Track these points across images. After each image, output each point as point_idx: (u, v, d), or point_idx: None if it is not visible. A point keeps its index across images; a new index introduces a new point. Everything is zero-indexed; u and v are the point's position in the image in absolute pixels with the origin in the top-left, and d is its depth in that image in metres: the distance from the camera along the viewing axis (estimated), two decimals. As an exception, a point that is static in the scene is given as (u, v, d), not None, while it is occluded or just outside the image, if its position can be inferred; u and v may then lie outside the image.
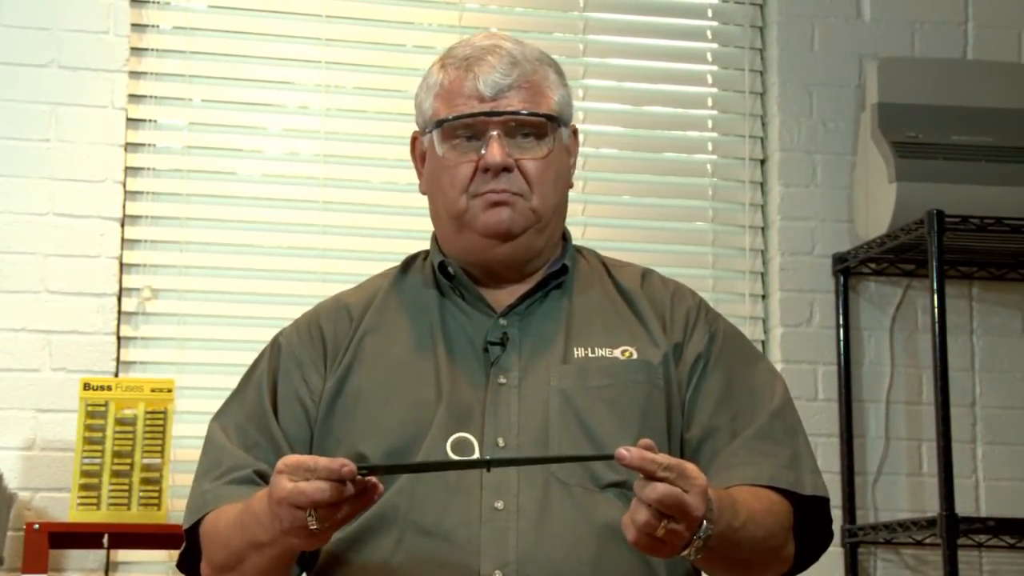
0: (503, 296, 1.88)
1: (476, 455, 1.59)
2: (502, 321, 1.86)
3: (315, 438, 1.84)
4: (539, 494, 1.74)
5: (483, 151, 1.83)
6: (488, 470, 1.63)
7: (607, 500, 1.76)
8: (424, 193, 1.94)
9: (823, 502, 1.84)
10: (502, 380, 1.81)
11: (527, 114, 1.85)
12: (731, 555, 1.66)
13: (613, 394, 1.80)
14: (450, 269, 1.89)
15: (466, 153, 1.85)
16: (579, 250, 1.99)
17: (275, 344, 1.92)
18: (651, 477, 1.49)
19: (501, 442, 1.76)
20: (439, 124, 1.86)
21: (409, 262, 1.98)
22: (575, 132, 1.96)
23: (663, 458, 1.50)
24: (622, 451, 1.49)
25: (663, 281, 1.96)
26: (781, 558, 1.80)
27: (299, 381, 1.86)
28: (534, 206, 1.85)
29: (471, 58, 1.86)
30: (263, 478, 1.79)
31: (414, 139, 1.95)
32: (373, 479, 1.53)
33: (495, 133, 1.83)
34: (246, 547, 1.68)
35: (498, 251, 1.86)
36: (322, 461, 1.52)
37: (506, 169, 1.83)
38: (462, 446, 1.60)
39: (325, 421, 1.83)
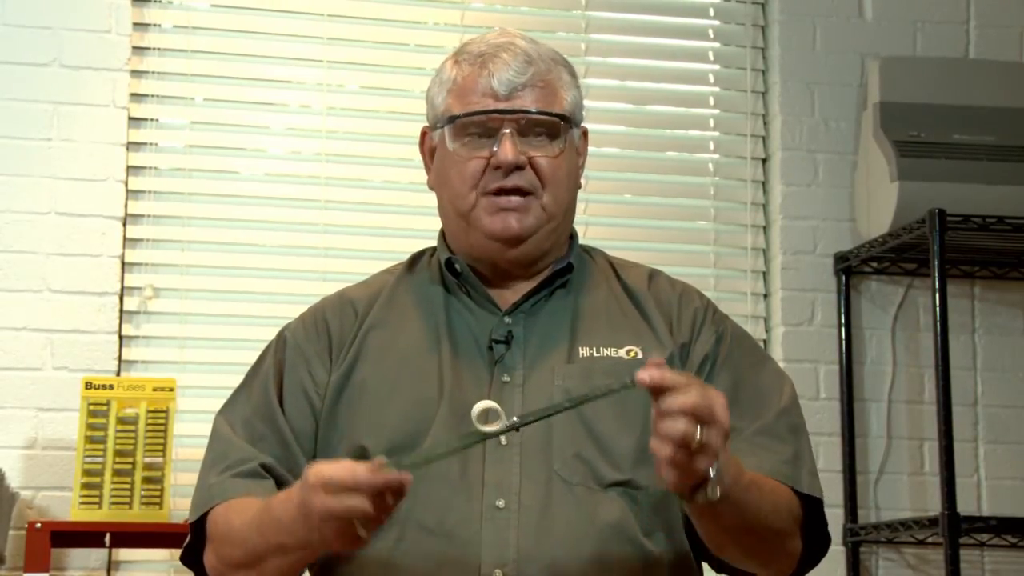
0: (509, 294, 1.88)
1: (501, 421, 1.57)
2: (507, 319, 1.85)
3: (320, 431, 1.84)
4: (541, 493, 1.74)
5: (495, 148, 1.83)
6: (518, 430, 1.61)
7: (609, 499, 1.76)
8: (432, 188, 1.94)
9: (818, 505, 1.83)
10: (506, 379, 1.81)
11: (541, 113, 1.85)
12: (740, 522, 1.64)
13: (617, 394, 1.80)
14: (457, 266, 1.89)
15: (477, 149, 1.85)
16: (586, 250, 1.99)
17: (281, 338, 1.92)
18: (673, 391, 1.49)
19: (503, 441, 1.75)
20: (451, 120, 1.85)
21: (416, 258, 1.98)
22: (585, 133, 1.96)
23: (679, 374, 1.51)
24: (642, 374, 1.49)
25: (670, 282, 1.96)
26: (787, 550, 1.79)
27: (305, 375, 1.86)
28: (545, 203, 1.85)
29: (486, 55, 1.86)
30: (268, 471, 1.79)
31: (423, 134, 1.95)
32: (407, 476, 1.52)
33: (508, 131, 1.83)
34: (268, 550, 1.67)
35: (507, 254, 1.86)
36: (361, 477, 1.51)
37: (518, 167, 1.83)
38: (488, 416, 1.58)
39: (330, 415, 1.83)
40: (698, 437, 1.48)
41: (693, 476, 1.53)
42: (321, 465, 1.56)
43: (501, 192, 1.83)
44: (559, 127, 1.86)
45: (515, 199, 1.83)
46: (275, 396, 1.86)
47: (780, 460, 1.80)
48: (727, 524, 1.66)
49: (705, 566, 1.88)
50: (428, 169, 1.95)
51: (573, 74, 1.93)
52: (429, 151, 1.94)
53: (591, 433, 1.78)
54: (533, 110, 1.84)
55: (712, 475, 1.53)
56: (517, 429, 1.57)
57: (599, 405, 1.78)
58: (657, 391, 1.50)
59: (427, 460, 1.60)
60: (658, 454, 1.51)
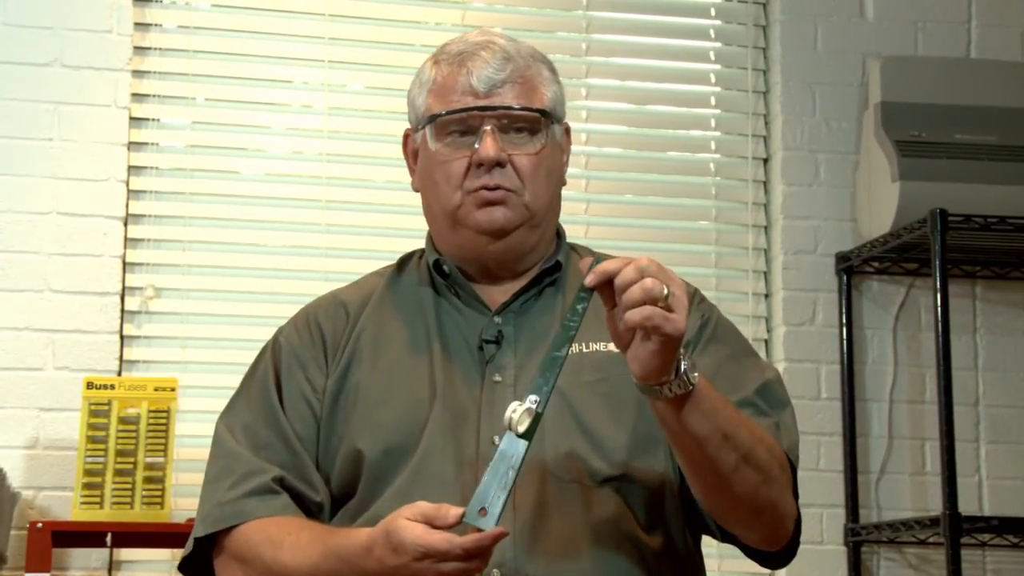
0: (498, 294, 1.88)
1: (525, 413, 1.57)
2: (497, 319, 1.85)
3: (321, 435, 1.84)
4: (536, 491, 1.74)
5: (476, 146, 1.83)
6: (542, 412, 1.60)
7: (604, 495, 1.76)
8: (416, 190, 1.94)
9: (793, 474, 1.79)
10: (497, 378, 1.81)
11: (521, 109, 1.84)
12: (716, 432, 1.62)
13: (607, 388, 1.80)
14: (445, 267, 1.89)
15: (459, 148, 1.85)
16: (574, 247, 1.98)
17: (276, 343, 1.92)
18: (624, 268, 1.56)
19: (497, 440, 1.74)
20: (432, 119, 1.86)
21: (404, 260, 1.98)
22: (568, 130, 1.96)
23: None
24: (589, 277, 1.58)
25: None
26: (780, 513, 1.74)
27: (303, 380, 1.86)
28: (526, 201, 1.85)
29: (464, 53, 1.86)
30: (279, 483, 1.79)
31: (406, 136, 1.95)
32: (503, 531, 1.54)
33: (488, 128, 1.83)
34: None
35: (492, 248, 1.86)
36: (469, 546, 1.52)
37: (499, 164, 1.83)
38: (518, 417, 1.58)
39: (329, 418, 1.83)
40: (663, 297, 1.53)
41: (669, 348, 1.55)
42: (414, 531, 1.56)
43: (484, 190, 1.83)
44: (540, 123, 1.86)
45: (499, 192, 1.83)
46: (277, 402, 1.86)
47: (761, 425, 1.77)
48: (702, 433, 1.62)
49: (708, 564, 1.88)
50: (412, 171, 1.95)
51: (553, 71, 1.92)
52: (412, 153, 1.94)
53: (583, 429, 1.78)
54: (514, 106, 1.84)
55: (684, 362, 1.56)
56: (541, 414, 1.58)
57: (590, 400, 1.79)
58: (607, 285, 1.56)
59: (503, 508, 1.57)
60: (633, 322, 1.54)
